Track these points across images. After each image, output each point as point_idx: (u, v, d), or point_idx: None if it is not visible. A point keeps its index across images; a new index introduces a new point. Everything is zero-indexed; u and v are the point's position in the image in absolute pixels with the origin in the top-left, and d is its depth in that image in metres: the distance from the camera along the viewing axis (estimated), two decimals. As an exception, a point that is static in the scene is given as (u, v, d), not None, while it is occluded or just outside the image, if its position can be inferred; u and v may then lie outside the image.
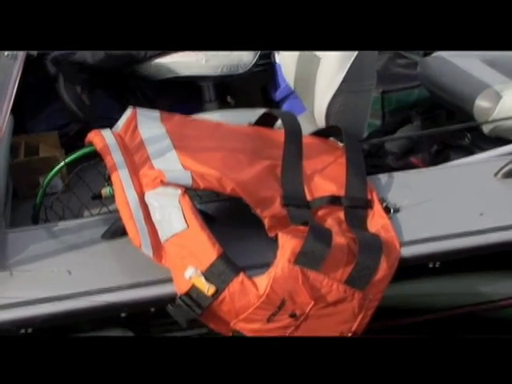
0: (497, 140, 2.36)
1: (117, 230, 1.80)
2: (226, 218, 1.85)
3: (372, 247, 1.70)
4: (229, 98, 3.48)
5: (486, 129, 2.38)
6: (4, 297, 1.65)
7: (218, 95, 3.37)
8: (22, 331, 1.65)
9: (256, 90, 3.44)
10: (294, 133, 1.94)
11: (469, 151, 2.40)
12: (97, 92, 3.20)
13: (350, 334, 1.67)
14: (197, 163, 1.78)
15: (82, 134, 2.95)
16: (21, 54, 1.99)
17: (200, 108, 3.40)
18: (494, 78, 2.47)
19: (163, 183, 1.70)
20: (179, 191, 1.69)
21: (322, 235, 1.67)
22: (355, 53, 2.06)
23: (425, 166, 2.31)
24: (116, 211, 1.79)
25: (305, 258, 1.62)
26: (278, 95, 3.29)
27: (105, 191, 1.99)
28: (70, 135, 3.09)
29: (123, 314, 1.69)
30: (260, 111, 2.29)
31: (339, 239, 1.69)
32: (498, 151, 2.16)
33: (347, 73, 2.09)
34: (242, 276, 1.60)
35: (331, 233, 1.69)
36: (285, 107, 3.25)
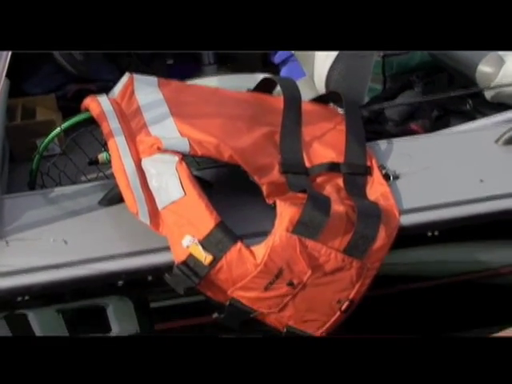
0: (499, 106, 2.33)
1: (114, 197, 1.79)
2: (224, 184, 1.82)
3: (371, 216, 1.68)
4: (227, 61, 3.44)
5: (488, 94, 2.35)
6: (0, 265, 1.64)
7: (217, 58, 3.33)
8: (19, 299, 1.64)
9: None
10: (293, 99, 1.92)
11: (470, 117, 2.37)
12: (91, 54, 3.17)
13: (347, 302, 1.66)
14: (194, 130, 1.76)
15: (79, 97, 2.94)
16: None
17: (197, 70, 3.37)
18: None
19: (160, 150, 1.68)
20: (176, 158, 1.67)
21: (320, 204, 1.65)
22: (357, 17, 2.02)
23: (425, 132, 2.28)
24: (113, 177, 1.76)
25: (303, 227, 1.61)
26: (277, 58, 3.25)
27: (101, 157, 1.97)
28: (67, 97, 3.06)
29: (120, 282, 1.68)
30: (258, 76, 2.26)
31: (338, 207, 1.67)
32: (498, 117, 2.13)
33: (348, 38, 2.05)
34: (239, 245, 1.59)
35: (330, 201, 1.67)
36: (284, 71, 3.21)
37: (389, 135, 2.07)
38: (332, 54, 2.10)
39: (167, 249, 1.65)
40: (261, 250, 1.60)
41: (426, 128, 2.30)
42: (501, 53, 2.36)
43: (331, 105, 2.09)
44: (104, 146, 1.98)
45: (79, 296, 1.71)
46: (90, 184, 1.91)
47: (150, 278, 1.68)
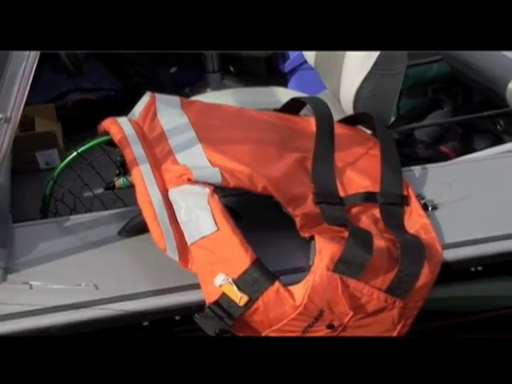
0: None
1: (134, 227, 1.68)
2: (252, 214, 1.70)
3: (415, 252, 1.58)
4: (231, 68, 3.34)
5: (517, 112, 2.26)
6: (17, 303, 1.52)
7: (221, 65, 3.23)
8: (38, 341, 1.52)
9: (260, 59, 3.29)
10: (326, 123, 1.81)
11: (495, 136, 2.29)
12: (93, 63, 3.06)
13: None
14: (225, 158, 1.64)
15: (79, 106, 2.83)
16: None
17: (201, 78, 3.28)
18: None
19: (190, 181, 1.57)
20: (207, 190, 1.55)
21: (363, 240, 1.55)
22: (388, 34, 1.92)
23: (456, 154, 2.18)
24: (133, 204, 1.65)
25: (344, 266, 1.50)
26: (287, 67, 3.15)
27: (118, 182, 1.86)
28: (67, 107, 2.95)
29: (145, 323, 1.56)
30: (275, 90, 2.16)
31: (379, 243, 1.57)
32: None
33: (380, 55, 1.95)
34: (277, 285, 1.48)
35: (372, 237, 1.56)
36: (294, 80, 3.13)
37: (420, 159, 1.97)
38: (362, 71, 1.99)
39: (196, 286, 1.54)
40: (300, 290, 1.49)
41: (456, 150, 2.21)
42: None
43: (359, 126, 1.98)
44: (119, 169, 1.87)
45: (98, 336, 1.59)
46: (108, 212, 1.79)
47: (177, 317, 1.57)
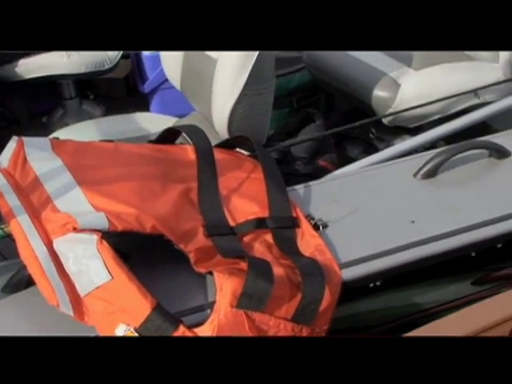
0: (394, 129, 2.29)
1: (21, 281, 1.57)
2: (139, 252, 1.62)
3: (315, 276, 1.55)
4: (88, 93, 3.23)
5: (385, 119, 2.29)
6: None
7: (78, 91, 3.11)
8: None
9: (117, 81, 3.20)
10: (205, 152, 1.76)
11: (366, 143, 2.32)
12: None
13: None
14: (108, 200, 1.56)
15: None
16: None
17: (57, 104, 3.15)
18: (388, 64, 2.38)
19: (76, 230, 1.47)
20: (95, 237, 1.46)
21: (262, 271, 1.50)
22: (256, 53, 1.90)
23: (333, 167, 2.19)
24: (14, 257, 1.54)
25: (247, 300, 1.45)
26: (147, 87, 3.08)
27: (-7, 232, 1.73)
28: None
29: None
30: (137, 115, 2.09)
31: (278, 271, 1.53)
32: (402, 146, 2.09)
33: (250, 75, 1.92)
34: (182, 328, 1.41)
35: (271, 266, 1.53)
36: (156, 100, 3.05)
37: (300, 175, 1.96)
38: (233, 93, 1.96)
39: (94, 340, 1.46)
40: (206, 331, 1.43)
41: (333, 162, 2.21)
42: (394, 76, 2.31)
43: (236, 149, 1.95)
44: None
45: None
46: None
47: None
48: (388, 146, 2.28)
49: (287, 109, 2.71)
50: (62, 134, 2.40)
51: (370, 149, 2.34)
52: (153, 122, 2.32)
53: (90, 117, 2.94)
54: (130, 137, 2.07)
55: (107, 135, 2.29)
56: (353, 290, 1.64)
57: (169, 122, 2.36)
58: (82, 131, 2.35)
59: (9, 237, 1.72)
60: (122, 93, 3.28)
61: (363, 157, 2.24)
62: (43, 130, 2.90)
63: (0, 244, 1.75)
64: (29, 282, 1.55)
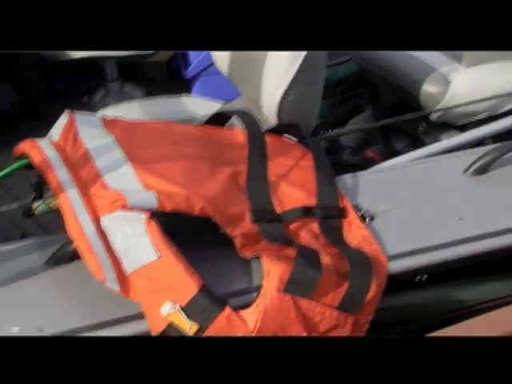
0: (442, 125, 2.26)
1: (64, 256, 1.57)
2: (185, 233, 1.61)
3: (362, 266, 1.54)
4: (130, 75, 3.23)
5: (434, 115, 2.27)
6: None
7: (120, 73, 3.11)
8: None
9: (160, 64, 3.20)
10: (256, 136, 1.74)
11: (411, 137, 2.29)
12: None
13: None
14: (158, 179, 1.55)
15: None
16: None
17: (99, 85, 3.15)
18: (438, 59, 2.35)
19: (125, 208, 1.47)
20: (144, 216, 1.45)
21: (311, 259, 1.49)
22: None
23: (380, 158, 2.16)
24: (60, 231, 1.54)
25: (295, 286, 1.45)
26: (190, 72, 3.07)
27: (38, 209, 1.72)
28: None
29: None
30: (184, 99, 2.08)
31: (326, 259, 1.52)
32: (451, 142, 2.06)
33: (302, 63, 1.90)
34: (227, 311, 1.40)
35: (319, 254, 1.52)
36: (198, 85, 3.04)
37: (348, 166, 1.94)
38: (284, 80, 1.94)
39: (139, 317, 1.45)
40: (251, 314, 1.42)
41: (381, 154, 2.19)
42: (445, 72, 2.29)
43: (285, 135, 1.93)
44: (35, 193, 1.74)
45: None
46: (29, 241, 1.67)
47: None
48: (434, 141, 2.26)
49: (331, 99, 2.69)
50: (105, 113, 2.40)
51: (416, 143, 2.31)
52: (198, 105, 2.31)
53: (131, 99, 2.94)
54: (175, 119, 2.05)
55: (151, 116, 2.28)
56: (398, 283, 1.62)
57: (214, 106, 2.35)
58: (125, 112, 2.33)
59: (52, 212, 1.73)
60: (163, 76, 3.28)
61: (408, 150, 2.23)
62: (83, 109, 2.90)
63: (43, 219, 1.75)
64: (72, 257, 1.56)
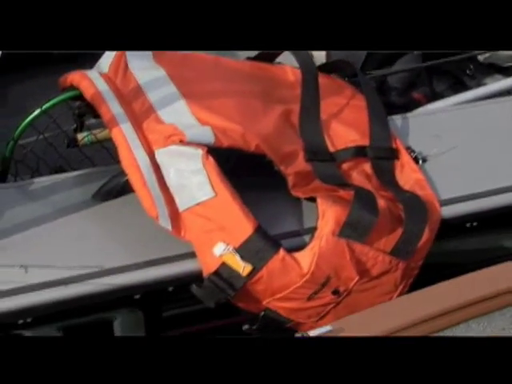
0: (488, 69, 2.21)
1: (112, 190, 1.55)
2: (235, 173, 1.57)
3: (417, 211, 1.52)
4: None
5: (481, 56, 2.21)
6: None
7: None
8: (20, 322, 1.39)
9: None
10: (311, 75, 1.69)
11: (455, 77, 2.24)
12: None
13: None
14: (213, 115, 1.51)
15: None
16: None
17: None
18: None
19: (183, 142, 1.44)
20: (200, 151, 1.43)
21: (368, 202, 1.47)
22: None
23: (427, 100, 2.11)
24: (101, 164, 1.58)
25: (350, 230, 1.43)
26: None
27: (83, 139, 1.69)
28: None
29: (137, 296, 1.45)
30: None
31: (380, 202, 1.49)
32: (497, 85, 2.02)
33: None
34: (282, 253, 1.39)
35: (376, 198, 1.49)
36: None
37: (394, 106, 1.90)
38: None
39: (189, 256, 1.43)
40: (306, 257, 1.40)
41: (427, 96, 2.14)
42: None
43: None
44: (78, 122, 1.70)
45: (86, 313, 1.46)
46: (75, 173, 1.64)
47: (170, 288, 1.46)
48: (478, 85, 2.21)
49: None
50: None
51: (457, 85, 2.26)
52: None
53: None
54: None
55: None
56: (449, 228, 1.60)
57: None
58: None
59: (98, 143, 1.70)
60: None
61: (449, 92, 2.18)
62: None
63: (90, 150, 1.72)
64: (120, 191, 1.53)
